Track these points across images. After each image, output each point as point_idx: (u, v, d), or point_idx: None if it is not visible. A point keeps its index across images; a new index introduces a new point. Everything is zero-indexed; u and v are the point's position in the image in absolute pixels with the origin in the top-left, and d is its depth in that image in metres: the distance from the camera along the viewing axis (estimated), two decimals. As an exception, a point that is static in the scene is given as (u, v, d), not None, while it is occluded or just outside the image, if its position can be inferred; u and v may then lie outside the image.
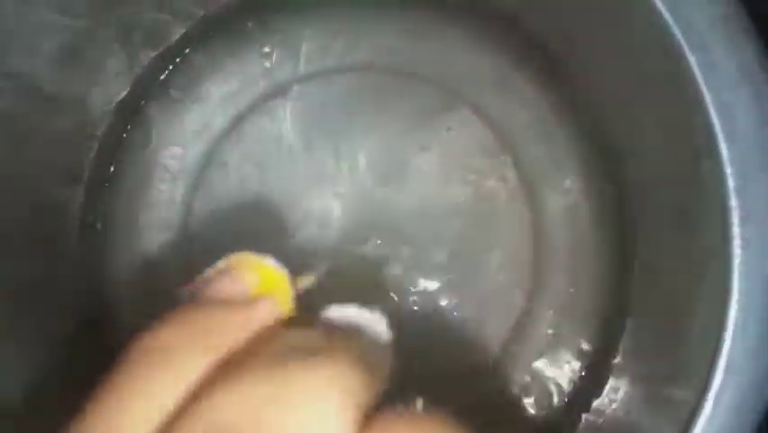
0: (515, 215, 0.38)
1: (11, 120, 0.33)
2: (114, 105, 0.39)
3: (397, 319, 0.27)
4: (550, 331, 0.38)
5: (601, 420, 0.36)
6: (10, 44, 0.32)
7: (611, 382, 0.36)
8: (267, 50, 0.40)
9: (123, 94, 0.39)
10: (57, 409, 0.22)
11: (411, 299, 0.38)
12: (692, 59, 0.27)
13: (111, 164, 0.40)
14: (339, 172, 0.39)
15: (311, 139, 0.39)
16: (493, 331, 0.38)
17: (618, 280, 0.37)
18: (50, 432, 0.21)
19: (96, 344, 0.38)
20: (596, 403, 0.36)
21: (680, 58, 0.28)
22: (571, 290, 0.38)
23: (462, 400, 0.38)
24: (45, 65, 0.34)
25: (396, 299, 0.38)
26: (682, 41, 0.27)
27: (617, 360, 0.36)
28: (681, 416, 0.28)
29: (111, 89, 0.39)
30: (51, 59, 0.34)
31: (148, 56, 0.39)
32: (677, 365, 0.30)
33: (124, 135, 0.39)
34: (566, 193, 0.38)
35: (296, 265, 0.38)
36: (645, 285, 0.35)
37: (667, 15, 0.28)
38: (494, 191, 0.38)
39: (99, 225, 0.40)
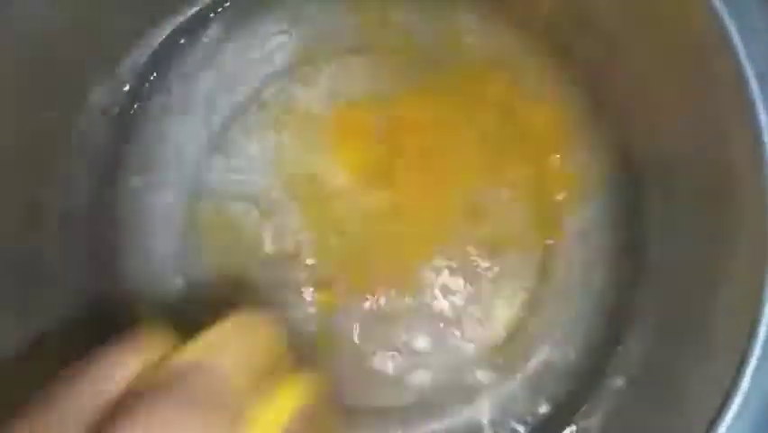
0: (524, 199, 0.37)
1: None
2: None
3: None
4: (559, 318, 0.37)
5: (608, 416, 0.35)
6: None
7: (622, 370, 0.36)
8: (286, 27, 0.39)
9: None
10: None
11: (420, 276, 0.38)
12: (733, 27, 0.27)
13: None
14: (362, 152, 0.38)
15: (336, 119, 0.38)
16: (501, 317, 0.37)
17: (633, 265, 0.36)
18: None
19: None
20: (604, 395, 0.36)
21: (719, 25, 0.27)
22: (582, 274, 0.37)
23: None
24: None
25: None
26: (720, 7, 0.27)
27: (630, 347, 0.35)
28: (714, 394, 0.28)
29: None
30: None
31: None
32: (706, 342, 0.30)
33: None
34: (577, 179, 0.37)
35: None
36: (661, 269, 0.35)
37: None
38: (503, 177, 0.38)
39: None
